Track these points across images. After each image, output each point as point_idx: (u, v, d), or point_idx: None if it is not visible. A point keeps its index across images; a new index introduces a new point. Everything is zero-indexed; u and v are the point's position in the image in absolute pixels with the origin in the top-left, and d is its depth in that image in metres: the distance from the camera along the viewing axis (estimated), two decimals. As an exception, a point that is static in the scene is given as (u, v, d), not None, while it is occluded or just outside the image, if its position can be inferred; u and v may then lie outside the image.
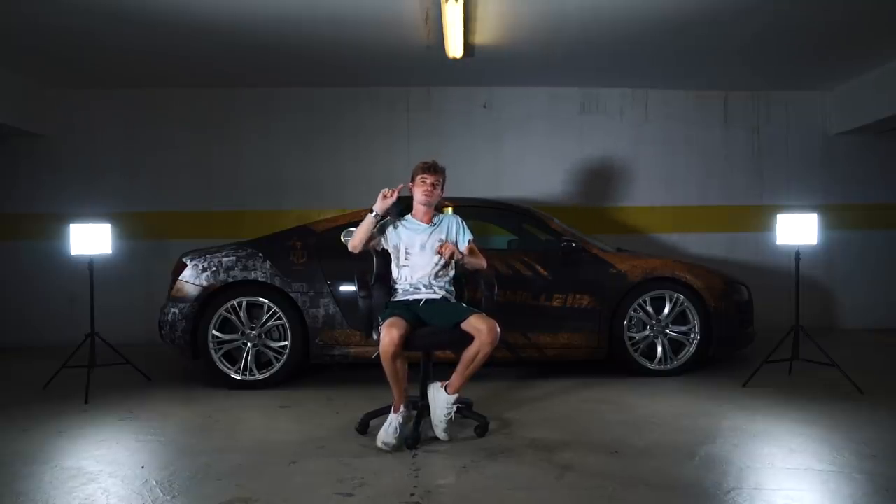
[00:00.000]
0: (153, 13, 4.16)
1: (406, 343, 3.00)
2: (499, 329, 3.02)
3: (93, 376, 4.01)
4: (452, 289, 3.37)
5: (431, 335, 3.14)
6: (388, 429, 3.01)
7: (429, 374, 3.25)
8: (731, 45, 4.98)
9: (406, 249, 3.32)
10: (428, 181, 3.33)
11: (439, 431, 3.08)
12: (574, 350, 4.33)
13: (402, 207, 3.43)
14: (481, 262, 3.35)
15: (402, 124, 6.20)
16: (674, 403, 3.74)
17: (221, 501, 2.41)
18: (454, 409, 3.10)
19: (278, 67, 5.51)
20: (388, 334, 2.95)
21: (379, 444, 2.97)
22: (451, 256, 3.19)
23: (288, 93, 6.12)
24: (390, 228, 3.38)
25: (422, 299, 3.23)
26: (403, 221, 3.39)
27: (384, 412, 3.32)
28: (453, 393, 3.09)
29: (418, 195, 3.36)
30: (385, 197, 3.24)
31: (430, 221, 3.38)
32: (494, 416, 3.45)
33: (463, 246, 3.32)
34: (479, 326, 3.01)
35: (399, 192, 3.27)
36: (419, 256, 3.30)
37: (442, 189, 3.42)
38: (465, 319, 3.07)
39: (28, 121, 5.69)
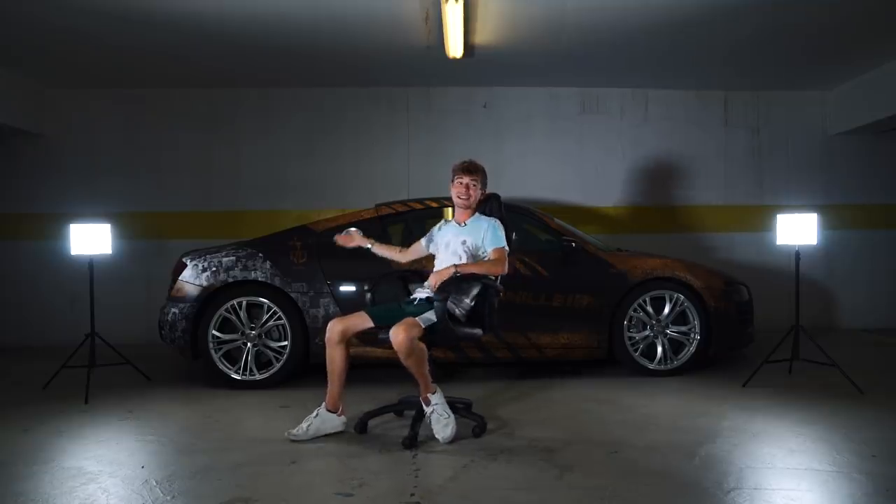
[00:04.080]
0: (153, 13, 4.16)
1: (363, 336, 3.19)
2: (402, 336, 2.87)
3: (93, 376, 4.01)
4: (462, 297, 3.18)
5: (371, 332, 3.19)
6: (305, 422, 3.10)
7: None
8: (731, 45, 4.98)
9: (439, 250, 3.33)
10: (463, 182, 3.26)
11: (437, 435, 3.06)
12: (574, 350, 4.33)
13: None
14: (488, 270, 3.13)
15: (402, 124, 6.20)
16: (674, 403, 3.74)
17: (221, 501, 2.40)
18: (433, 410, 3.06)
19: (278, 67, 5.51)
20: (335, 322, 3.13)
21: (285, 433, 3.08)
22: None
23: (288, 93, 6.12)
24: (436, 231, 3.41)
25: (416, 298, 3.24)
26: (447, 222, 3.40)
27: (384, 412, 3.34)
28: (422, 396, 3.09)
29: (453, 196, 3.31)
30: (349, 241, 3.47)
31: (463, 223, 3.31)
32: (494, 416, 3.45)
33: (487, 251, 3.20)
34: (392, 332, 2.91)
35: (349, 234, 3.46)
36: (442, 257, 3.29)
37: (482, 189, 3.32)
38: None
39: (28, 121, 5.70)
